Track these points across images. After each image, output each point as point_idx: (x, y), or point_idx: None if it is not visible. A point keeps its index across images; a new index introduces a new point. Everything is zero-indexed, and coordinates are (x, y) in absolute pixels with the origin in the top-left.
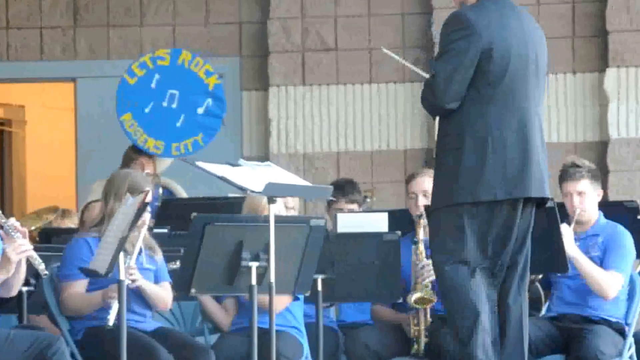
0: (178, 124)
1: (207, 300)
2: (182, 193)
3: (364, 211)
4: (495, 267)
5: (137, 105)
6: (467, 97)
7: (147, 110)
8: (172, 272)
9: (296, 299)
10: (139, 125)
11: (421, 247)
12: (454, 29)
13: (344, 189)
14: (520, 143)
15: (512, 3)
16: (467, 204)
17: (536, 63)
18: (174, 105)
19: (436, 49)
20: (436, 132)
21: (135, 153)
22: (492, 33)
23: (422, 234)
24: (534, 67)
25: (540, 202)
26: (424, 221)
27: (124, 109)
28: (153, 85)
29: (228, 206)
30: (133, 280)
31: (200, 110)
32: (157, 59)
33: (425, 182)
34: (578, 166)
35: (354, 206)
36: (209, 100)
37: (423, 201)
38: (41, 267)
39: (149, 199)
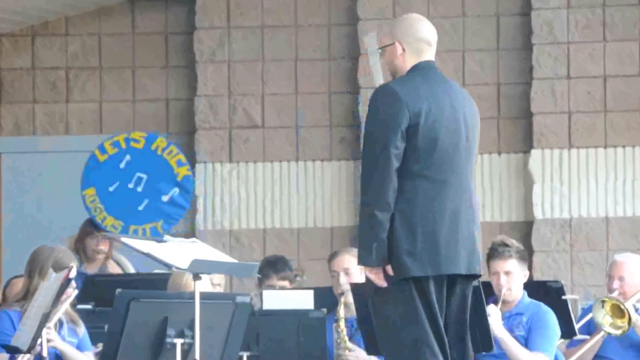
0: (140, 208)
1: None
2: (130, 269)
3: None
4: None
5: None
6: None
7: (111, 189)
8: (95, 355)
9: None
10: (101, 202)
11: (342, 324)
12: (382, 101)
13: (276, 265)
14: (450, 221)
15: (443, 76)
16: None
17: (467, 137)
18: (139, 189)
19: (362, 128)
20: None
21: (93, 227)
22: (420, 106)
23: (342, 312)
24: (465, 141)
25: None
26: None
27: (87, 184)
28: (122, 165)
29: (153, 282)
30: (49, 340)
31: (165, 198)
32: (131, 140)
33: (346, 260)
34: (507, 245)
35: (285, 283)
36: (176, 190)
37: (344, 279)
38: None
39: (72, 274)
